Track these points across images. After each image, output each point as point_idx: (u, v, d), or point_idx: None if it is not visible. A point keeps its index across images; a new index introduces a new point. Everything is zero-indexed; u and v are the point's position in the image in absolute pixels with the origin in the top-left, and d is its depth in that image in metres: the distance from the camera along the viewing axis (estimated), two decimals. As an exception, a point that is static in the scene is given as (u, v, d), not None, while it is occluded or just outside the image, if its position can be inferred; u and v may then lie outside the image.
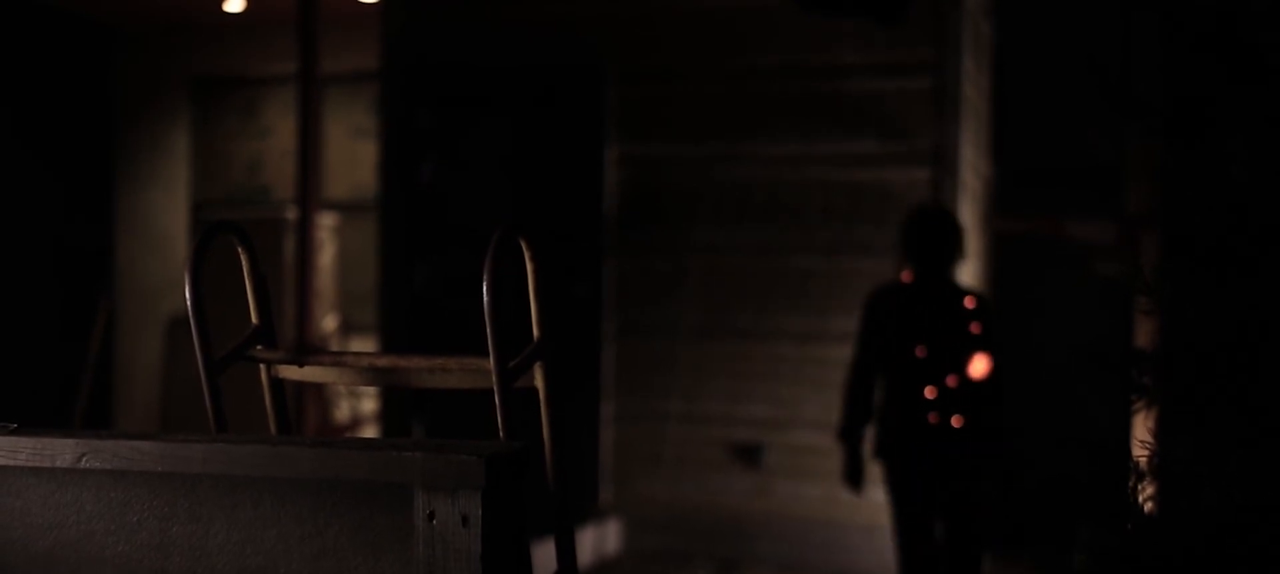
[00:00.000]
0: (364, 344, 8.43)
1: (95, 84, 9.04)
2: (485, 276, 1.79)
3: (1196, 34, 3.01)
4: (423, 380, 1.96)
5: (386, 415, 7.70)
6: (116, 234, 9.23)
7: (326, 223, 8.45)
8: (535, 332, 1.93)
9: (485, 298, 1.79)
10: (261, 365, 2.08)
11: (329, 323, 8.56)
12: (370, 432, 8.08)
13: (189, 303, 1.94)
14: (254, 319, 2.07)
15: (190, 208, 9.29)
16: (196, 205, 9.25)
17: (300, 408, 6.81)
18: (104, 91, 9.12)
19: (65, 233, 8.79)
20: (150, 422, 9.00)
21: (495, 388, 1.86)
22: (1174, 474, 2.73)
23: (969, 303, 5.26)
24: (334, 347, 8.29)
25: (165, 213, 9.31)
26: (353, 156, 8.83)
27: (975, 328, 5.19)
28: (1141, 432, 3.50)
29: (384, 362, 1.96)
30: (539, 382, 1.93)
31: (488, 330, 1.81)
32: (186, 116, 9.33)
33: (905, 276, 5.31)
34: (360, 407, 8.47)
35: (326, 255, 8.49)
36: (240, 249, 2.03)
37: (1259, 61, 2.78)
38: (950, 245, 5.26)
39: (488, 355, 1.90)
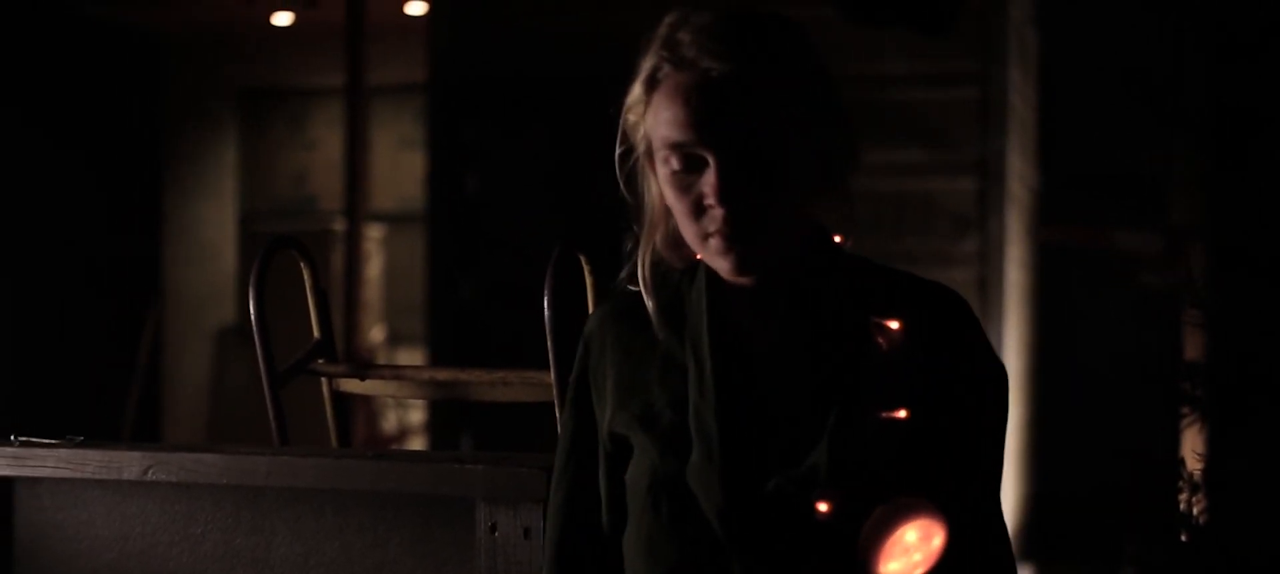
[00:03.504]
0: (411, 355, 8.47)
1: (143, 96, 9.11)
2: (546, 291, 1.82)
3: (1248, 46, 3.01)
4: (483, 394, 1.98)
5: (434, 426, 7.74)
6: (163, 245, 9.30)
7: (373, 234, 8.50)
8: (593, 346, 1.94)
9: (546, 313, 1.81)
10: (323, 379, 2.11)
11: (376, 334, 8.61)
12: (417, 442, 8.12)
13: (252, 316, 1.97)
14: (315, 333, 2.10)
15: (237, 219, 9.36)
16: (243, 217, 9.32)
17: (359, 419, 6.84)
18: (152, 103, 9.20)
19: (113, 244, 8.86)
20: (197, 432, 9.06)
21: (555, 401, 1.88)
22: (1228, 487, 2.72)
23: (887, 332, 1.75)
24: (381, 358, 8.34)
25: (212, 224, 9.38)
26: (399, 168, 8.88)
27: (904, 411, 1.72)
28: (1190, 444, 3.50)
29: (445, 375, 1.99)
30: (596, 395, 1.95)
31: (548, 345, 1.84)
32: (233, 128, 9.41)
33: (677, 253, 1.85)
34: (407, 417, 8.52)
35: (373, 267, 8.55)
36: (302, 264, 2.06)
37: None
38: (798, 113, 1.72)
39: (542, 367, 1.93)
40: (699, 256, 1.80)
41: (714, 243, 1.70)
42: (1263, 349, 3.06)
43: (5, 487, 2.08)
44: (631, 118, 1.79)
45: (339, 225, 8.01)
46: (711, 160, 1.68)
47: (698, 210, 1.70)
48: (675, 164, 1.71)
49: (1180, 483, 3.10)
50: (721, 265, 1.73)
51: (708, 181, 1.67)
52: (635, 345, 1.83)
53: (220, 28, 8.77)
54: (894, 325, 1.72)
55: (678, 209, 1.73)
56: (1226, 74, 3.76)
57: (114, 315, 8.75)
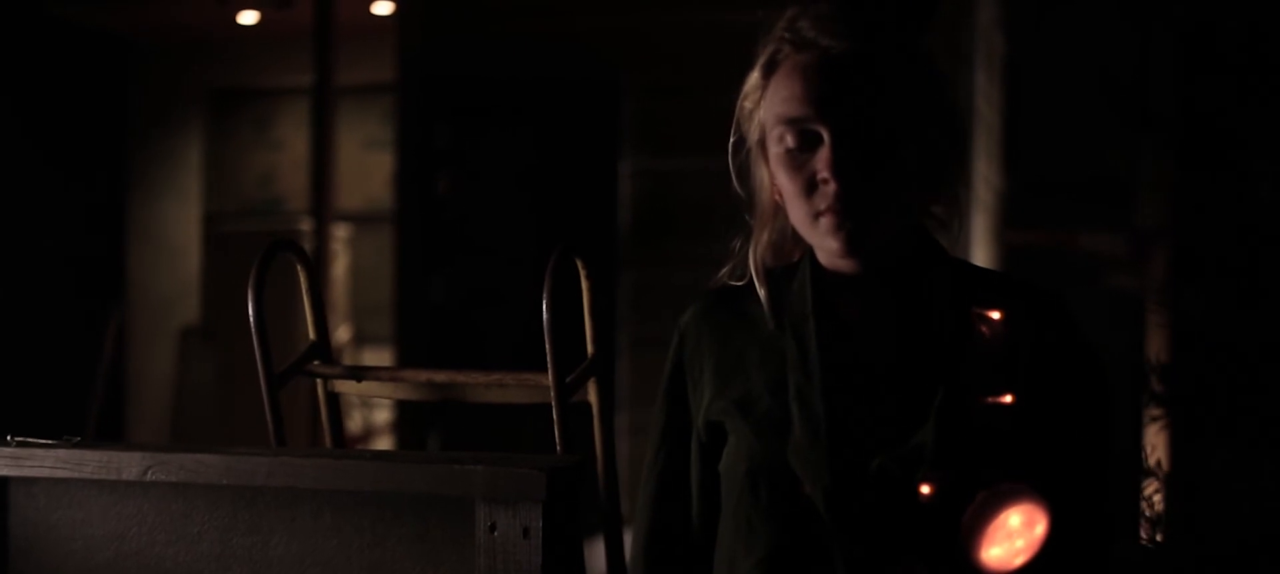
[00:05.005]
0: (378, 355, 8.48)
1: (110, 96, 9.08)
2: (545, 294, 1.84)
3: (1221, 55, 3.05)
4: (480, 395, 2.00)
5: (401, 426, 7.74)
6: (128, 244, 9.28)
7: (339, 234, 8.50)
8: (589, 348, 1.97)
9: (545, 315, 1.84)
10: (318, 380, 2.13)
11: (342, 334, 8.60)
12: (383, 442, 8.13)
13: (252, 319, 1.98)
14: (311, 335, 2.12)
15: (202, 219, 9.34)
16: (209, 217, 9.30)
17: (315, 419, 6.84)
18: (118, 103, 9.17)
19: (78, 243, 8.83)
20: (161, 432, 9.05)
21: (553, 403, 1.90)
22: (1205, 486, 2.76)
23: (987, 323, 1.74)
24: (347, 358, 8.34)
25: (177, 224, 9.35)
26: (365, 168, 8.88)
27: (1010, 396, 1.72)
28: (1159, 444, 3.54)
29: (442, 377, 2.01)
30: (592, 397, 1.97)
31: (547, 347, 1.86)
32: (199, 128, 9.39)
33: (778, 254, 1.91)
34: (372, 417, 8.52)
35: (339, 267, 8.54)
36: (299, 267, 2.08)
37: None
38: (922, 127, 1.78)
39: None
40: (798, 257, 1.85)
41: (825, 221, 1.73)
42: (1229, 350, 3.10)
43: (0, 486, 2.08)
44: (747, 105, 1.84)
45: (305, 225, 8.01)
46: (826, 135, 1.72)
47: (810, 188, 1.74)
48: (790, 141, 1.75)
49: (1152, 481, 3.14)
50: (831, 244, 1.76)
51: (822, 157, 1.71)
52: (733, 335, 1.89)
53: (187, 28, 8.76)
54: (995, 316, 1.74)
55: (790, 189, 1.76)
56: (1193, 79, 3.81)
57: (78, 315, 8.72)
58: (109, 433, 8.47)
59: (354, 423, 8.46)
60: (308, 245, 7.67)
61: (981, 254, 6.95)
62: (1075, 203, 7.20)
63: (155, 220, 9.34)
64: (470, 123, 7.52)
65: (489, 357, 7.12)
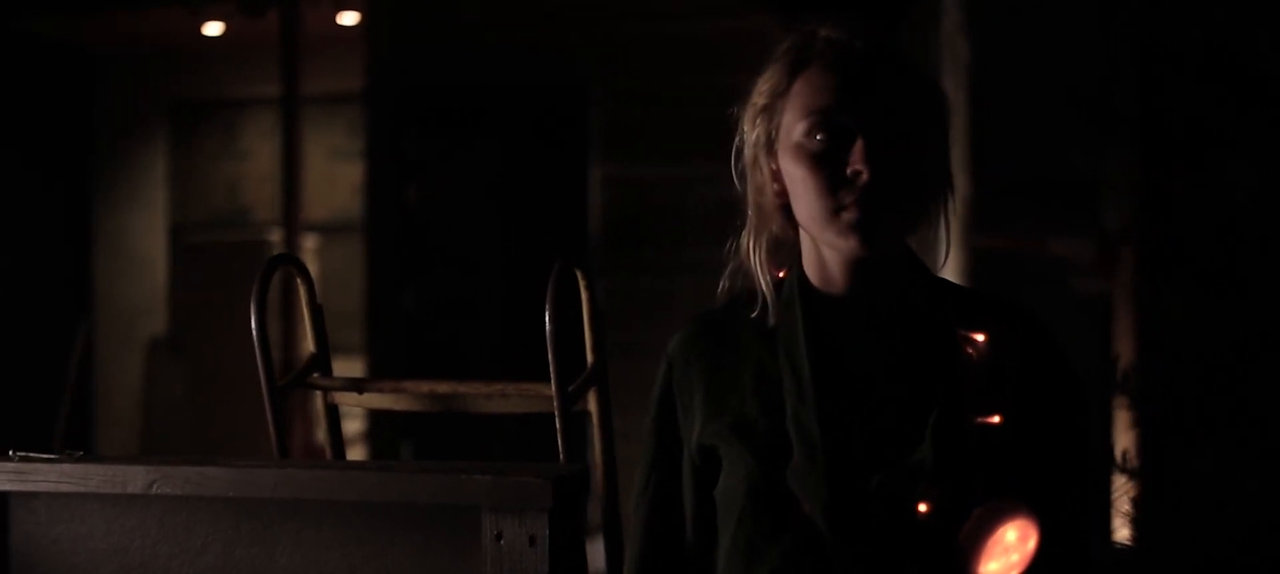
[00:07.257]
0: (348, 365, 8.46)
1: (74, 108, 9.06)
2: (547, 304, 1.86)
3: (1193, 60, 3.08)
4: (482, 406, 2.02)
5: (373, 436, 7.74)
6: (94, 256, 9.24)
7: (307, 245, 8.49)
8: (589, 358, 2.00)
9: (547, 325, 1.86)
10: (318, 392, 2.14)
11: (311, 343, 8.58)
12: (356, 452, 8.10)
13: (254, 332, 2.00)
14: (311, 347, 2.14)
15: (169, 230, 9.31)
16: (175, 228, 9.28)
17: (288, 429, 6.84)
18: (83, 115, 9.14)
19: (44, 255, 8.79)
20: (130, 444, 9.01)
21: (556, 412, 1.93)
22: (1181, 488, 2.79)
23: (975, 344, 1.80)
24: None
25: (144, 235, 9.32)
26: (332, 178, 8.87)
27: (998, 416, 1.78)
28: (1130, 447, 3.58)
29: (444, 388, 2.03)
30: (592, 406, 2.00)
31: (549, 357, 1.88)
32: (165, 139, 9.37)
33: (774, 274, 1.91)
34: (344, 427, 8.50)
35: (308, 277, 8.52)
36: (299, 281, 2.10)
37: (1266, 89, 2.86)
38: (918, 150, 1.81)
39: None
40: (782, 275, 1.87)
41: (847, 216, 1.75)
42: (1200, 350, 3.14)
43: (1, 501, 2.08)
44: (759, 102, 1.84)
45: (273, 236, 7.99)
46: (859, 128, 1.74)
47: (834, 183, 1.75)
48: (819, 134, 1.76)
49: (1126, 482, 3.17)
50: (847, 241, 1.76)
51: (855, 150, 1.73)
52: (724, 360, 1.89)
53: (152, 40, 8.73)
54: (980, 338, 1.79)
55: (810, 183, 1.77)
56: (1159, 81, 3.85)
57: (45, 327, 8.68)
58: (77, 446, 8.41)
59: (324, 433, 8.41)
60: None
61: (949, 260, 6.99)
62: (1042, 207, 7.24)
63: (122, 232, 9.31)
64: (439, 131, 7.52)
65: (461, 364, 7.11)
